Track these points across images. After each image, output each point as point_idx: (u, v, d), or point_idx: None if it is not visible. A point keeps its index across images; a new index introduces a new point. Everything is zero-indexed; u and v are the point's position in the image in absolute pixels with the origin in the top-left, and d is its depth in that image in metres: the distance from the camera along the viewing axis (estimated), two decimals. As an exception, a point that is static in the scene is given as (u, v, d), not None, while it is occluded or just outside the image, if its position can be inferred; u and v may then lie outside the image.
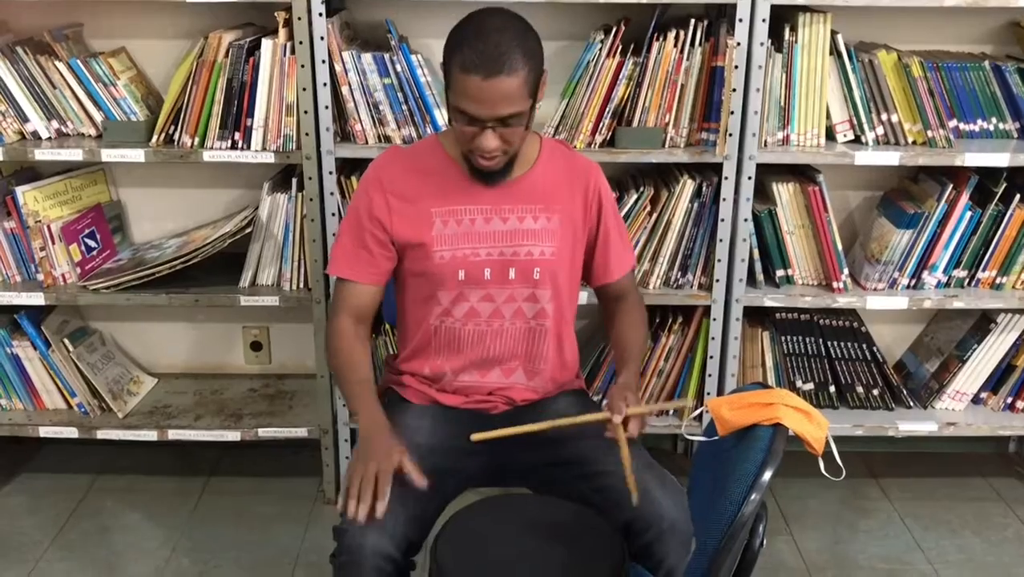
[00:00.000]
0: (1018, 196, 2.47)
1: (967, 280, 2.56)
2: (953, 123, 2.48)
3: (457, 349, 1.90)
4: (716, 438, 1.48)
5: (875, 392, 2.66)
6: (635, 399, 1.78)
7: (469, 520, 1.70)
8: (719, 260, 2.47)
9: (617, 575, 1.58)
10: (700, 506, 1.53)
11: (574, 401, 1.95)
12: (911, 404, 2.67)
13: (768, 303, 2.52)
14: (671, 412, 2.64)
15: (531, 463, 1.89)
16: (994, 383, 2.67)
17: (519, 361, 1.92)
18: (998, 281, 2.55)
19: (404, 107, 2.38)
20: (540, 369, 1.94)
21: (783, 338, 2.63)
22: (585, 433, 1.80)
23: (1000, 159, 2.39)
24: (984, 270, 2.54)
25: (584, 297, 2.41)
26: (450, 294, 1.87)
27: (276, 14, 2.34)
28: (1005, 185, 2.47)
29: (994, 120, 2.50)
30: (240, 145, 2.42)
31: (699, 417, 2.54)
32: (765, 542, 1.41)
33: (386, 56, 2.35)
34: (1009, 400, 2.67)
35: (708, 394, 2.60)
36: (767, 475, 1.32)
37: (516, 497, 1.85)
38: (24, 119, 2.47)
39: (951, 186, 2.45)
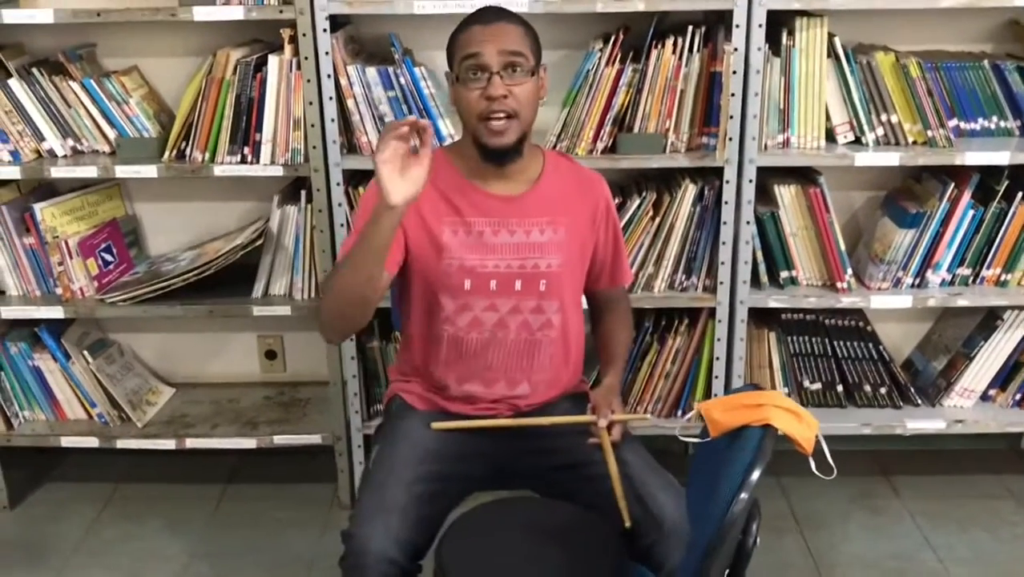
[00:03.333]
0: (1020, 194, 2.48)
1: (972, 278, 2.57)
2: (953, 122, 2.49)
3: (460, 357, 1.93)
4: (708, 439, 1.51)
5: (882, 391, 2.67)
6: (620, 404, 1.83)
7: (472, 523, 1.74)
8: (723, 262, 2.50)
9: (617, 576, 1.62)
10: (695, 506, 1.56)
11: (575, 404, 1.97)
12: (919, 402, 2.68)
13: (773, 304, 2.54)
14: (679, 414, 2.67)
15: (535, 467, 1.93)
16: (1002, 380, 2.67)
17: (523, 372, 1.94)
18: (1003, 278, 2.56)
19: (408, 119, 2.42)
20: (544, 379, 1.96)
21: (789, 338, 2.65)
22: (588, 437, 1.83)
23: (1001, 157, 2.40)
24: (988, 268, 2.55)
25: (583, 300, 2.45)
26: (454, 303, 1.89)
27: (282, 31, 2.39)
28: (1007, 183, 2.48)
29: (995, 118, 2.51)
30: (250, 159, 2.47)
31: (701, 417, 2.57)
32: (759, 541, 1.44)
33: (390, 69, 2.39)
34: (1017, 397, 2.68)
35: (715, 395, 2.62)
36: (755, 475, 1.35)
37: (518, 500, 1.89)
38: (40, 138, 2.54)
39: (953, 185, 2.47)
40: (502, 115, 1.79)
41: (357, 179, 2.54)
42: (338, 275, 1.76)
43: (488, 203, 1.89)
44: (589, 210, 1.97)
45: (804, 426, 1.46)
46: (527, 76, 1.80)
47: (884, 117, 2.44)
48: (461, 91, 1.81)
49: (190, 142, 2.48)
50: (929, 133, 2.43)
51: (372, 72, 2.39)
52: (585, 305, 2.09)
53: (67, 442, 2.69)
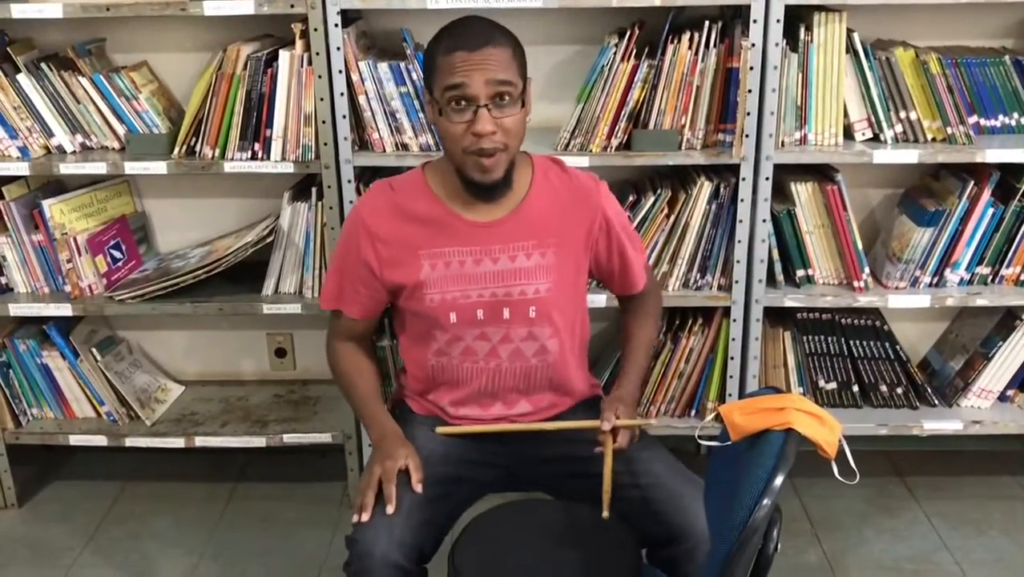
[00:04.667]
0: (1041, 192, 2.45)
1: (991, 277, 2.53)
2: (974, 119, 2.45)
3: (455, 384, 1.89)
4: (728, 443, 1.48)
5: (899, 391, 2.64)
6: (627, 411, 1.78)
7: (488, 525, 1.72)
8: (738, 261, 2.47)
9: (633, 580, 1.59)
10: (714, 510, 1.53)
11: (587, 410, 1.93)
12: (936, 402, 2.65)
13: (788, 303, 2.51)
14: (692, 414, 2.64)
15: (545, 474, 1.89)
16: (1020, 380, 2.64)
17: (520, 393, 1.89)
18: (1022, 277, 2.52)
19: (420, 115, 2.40)
20: (544, 398, 1.91)
21: (805, 338, 2.61)
22: (598, 444, 1.79)
23: (1022, 155, 2.37)
24: (1008, 267, 2.52)
25: (603, 300, 2.42)
26: (445, 334, 1.84)
27: (293, 25, 2.36)
28: (1028, 181, 2.45)
29: (1015, 115, 2.47)
30: (260, 156, 2.45)
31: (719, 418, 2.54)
32: (780, 547, 1.41)
33: (402, 65, 2.37)
34: (1035, 397, 2.65)
35: (729, 395, 2.59)
36: (778, 480, 1.32)
37: (536, 502, 1.86)
38: (49, 134, 2.52)
39: (972, 183, 2.43)
40: (490, 151, 1.69)
41: (368, 176, 2.51)
42: (343, 386, 1.96)
43: (468, 231, 1.80)
44: (584, 225, 1.86)
45: (827, 430, 1.42)
46: (516, 105, 1.69)
47: (903, 114, 2.41)
48: (444, 122, 1.70)
49: (200, 138, 2.46)
50: (949, 130, 2.40)
51: (384, 67, 2.36)
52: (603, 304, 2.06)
53: (75, 440, 2.67)
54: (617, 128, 2.39)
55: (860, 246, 2.48)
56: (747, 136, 2.35)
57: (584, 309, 1.96)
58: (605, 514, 1.67)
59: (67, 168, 2.48)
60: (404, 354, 1.96)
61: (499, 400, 1.89)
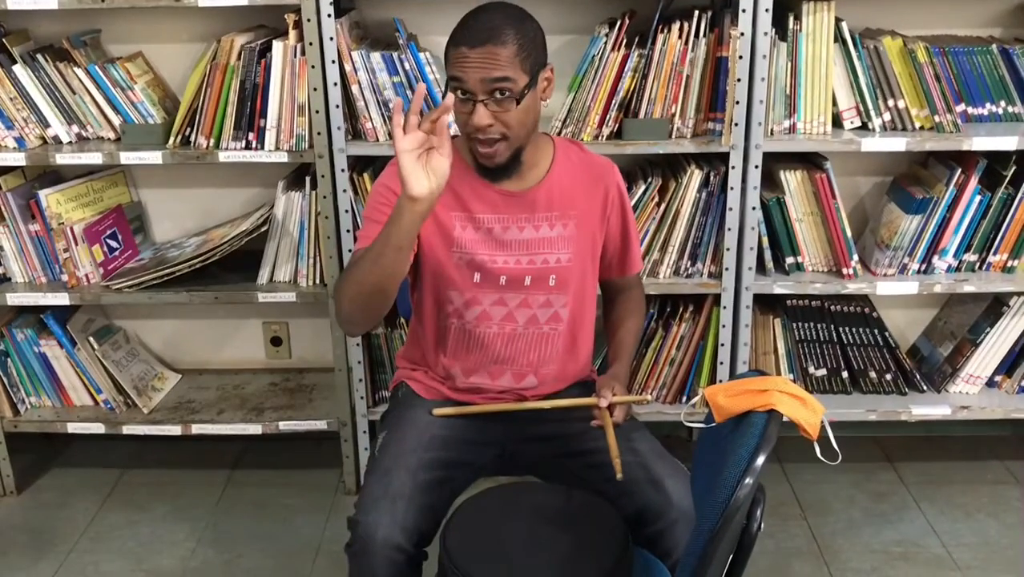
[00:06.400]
0: (1028, 179, 2.47)
1: (978, 264, 2.56)
2: (961, 107, 2.48)
3: (468, 350, 1.92)
4: (713, 424, 1.51)
5: (888, 377, 2.67)
6: (622, 389, 1.82)
7: (478, 509, 1.74)
8: (728, 249, 2.49)
9: (622, 561, 1.62)
10: (700, 491, 1.56)
11: (582, 391, 1.96)
12: (924, 388, 2.68)
13: (778, 290, 2.54)
14: (684, 400, 2.67)
15: (542, 454, 1.93)
16: (1008, 366, 2.67)
17: (530, 365, 1.93)
18: (1009, 264, 2.55)
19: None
20: (551, 371, 1.95)
21: (794, 325, 2.64)
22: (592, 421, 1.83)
23: (1008, 142, 2.39)
24: (995, 253, 2.55)
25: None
26: (463, 296, 1.88)
27: (286, 16, 2.38)
28: (1014, 168, 2.46)
29: (1003, 103, 2.50)
30: (254, 145, 2.47)
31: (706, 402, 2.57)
32: (763, 526, 1.43)
33: (395, 55, 2.39)
34: (1023, 383, 2.67)
35: (720, 381, 2.61)
36: (760, 460, 1.34)
37: (524, 485, 1.89)
38: (46, 124, 2.54)
39: (960, 170, 2.46)
40: (486, 141, 1.75)
41: (362, 165, 2.53)
42: (358, 268, 1.68)
43: (496, 199, 1.86)
44: (600, 200, 1.94)
45: (809, 411, 1.45)
46: (514, 101, 1.72)
47: (891, 102, 2.43)
48: (453, 106, 1.73)
49: (195, 128, 2.48)
50: (936, 118, 2.42)
51: (377, 57, 2.39)
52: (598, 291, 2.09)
53: (73, 428, 2.70)
54: (608, 117, 2.42)
55: (849, 233, 2.50)
56: (736, 125, 2.38)
57: (595, 286, 2.01)
58: (619, 476, 1.71)
59: (63, 158, 2.49)
60: (418, 319, 1.98)
61: (509, 369, 1.92)
